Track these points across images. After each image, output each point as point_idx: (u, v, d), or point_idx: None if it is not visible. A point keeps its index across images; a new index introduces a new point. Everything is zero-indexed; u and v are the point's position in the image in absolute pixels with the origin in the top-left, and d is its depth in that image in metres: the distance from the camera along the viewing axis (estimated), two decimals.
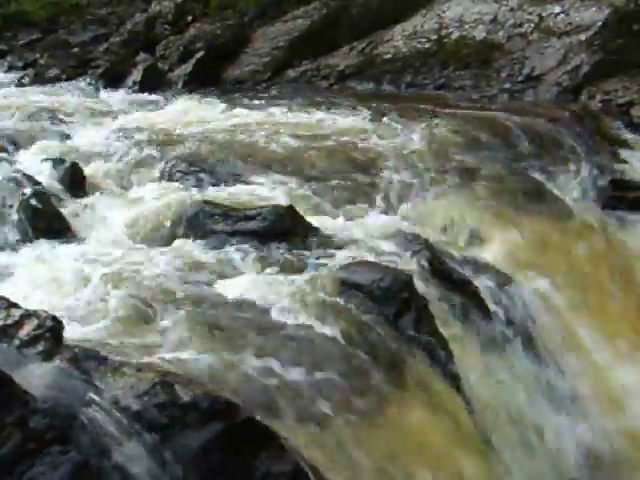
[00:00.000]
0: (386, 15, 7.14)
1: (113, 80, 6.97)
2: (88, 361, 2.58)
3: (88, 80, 7.06)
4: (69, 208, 4.08)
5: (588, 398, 3.55)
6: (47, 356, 2.52)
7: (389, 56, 6.77)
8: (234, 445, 2.43)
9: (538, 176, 4.87)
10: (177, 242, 3.76)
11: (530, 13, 6.63)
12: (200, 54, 7.14)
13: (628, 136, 5.67)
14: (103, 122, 5.57)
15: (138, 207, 4.10)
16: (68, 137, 5.17)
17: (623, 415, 3.63)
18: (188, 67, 7.03)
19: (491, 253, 4.01)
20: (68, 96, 6.48)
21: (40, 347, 2.54)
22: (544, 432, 3.32)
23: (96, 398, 2.43)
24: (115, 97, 6.44)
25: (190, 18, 7.62)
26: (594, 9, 6.39)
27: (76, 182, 4.39)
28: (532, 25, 6.55)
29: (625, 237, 4.69)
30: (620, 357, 3.81)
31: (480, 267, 3.79)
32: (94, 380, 2.52)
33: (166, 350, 2.81)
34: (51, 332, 2.61)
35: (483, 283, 3.65)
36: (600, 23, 6.31)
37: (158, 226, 3.91)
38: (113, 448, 2.31)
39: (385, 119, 5.33)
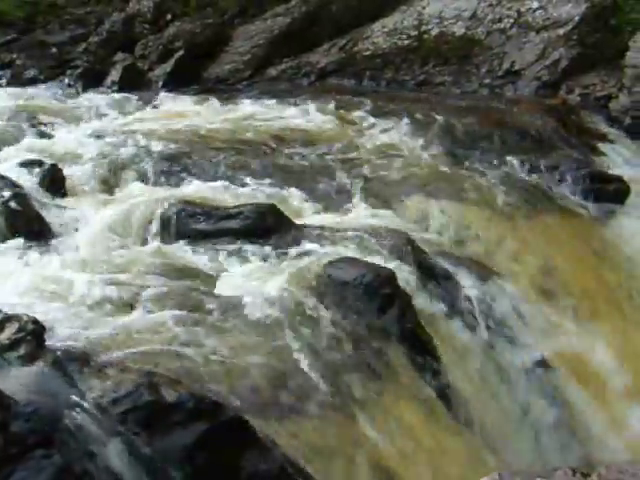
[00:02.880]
0: (366, 11, 7.13)
1: (92, 80, 6.89)
2: (71, 363, 2.56)
3: (67, 81, 6.97)
4: (49, 210, 4.04)
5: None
6: (29, 359, 2.50)
7: (369, 53, 6.77)
8: (220, 444, 2.43)
9: (519, 170, 4.90)
10: (159, 242, 3.74)
11: (509, 9, 6.66)
12: (180, 53, 7.08)
13: (607, 129, 5.73)
14: (83, 123, 5.52)
15: (119, 208, 4.07)
16: (47, 138, 5.11)
17: None
18: (168, 66, 6.97)
19: (473, 247, 4.03)
20: (47, 97, 6.41)
21: (22, 350, 2.51)
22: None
23: (80, 400, 2.42)
24: (94, 97, 6.37)
25: (169, 17, 7.55)
26: (571, 4, 6.43)
27: (56, 184, 4.34)
28: (511, 20, 6.58)
29: (605, 228, 4.74)
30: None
31: (462, 261, 3.81)
32: (77, 382, 2.51)
33: (152, 349, 2.80)
34: (33, 335, 2.59)
35: (465, 277, 3.67)
36: (577, 18, 6.36)
37: (140, 226, 3.88)
38: (98, 450, 2.30)
39: (365, 117, 5.34)
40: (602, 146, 5.48)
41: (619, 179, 5.10)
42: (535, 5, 6.58)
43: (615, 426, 3.60)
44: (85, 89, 6.73)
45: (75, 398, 2.40)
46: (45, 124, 5.41)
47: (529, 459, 3.24)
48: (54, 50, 7.58)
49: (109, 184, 4.52)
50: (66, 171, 4.48)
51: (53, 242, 3.76)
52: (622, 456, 3.37)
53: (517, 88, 6.29)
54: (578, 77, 6.21)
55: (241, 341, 2.89)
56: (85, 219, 4.02)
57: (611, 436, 3.53)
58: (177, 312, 3.04)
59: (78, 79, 6.91)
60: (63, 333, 2.85)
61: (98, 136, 5.03)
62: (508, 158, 4.98)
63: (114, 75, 6.82)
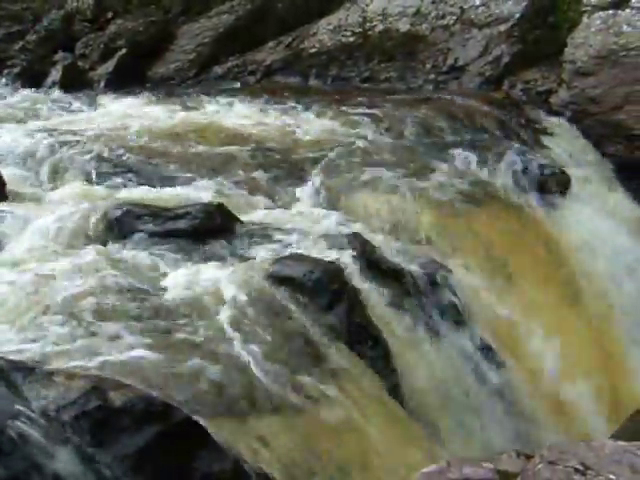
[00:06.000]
0: (311, 9, 7.15)
1: (31, 80, 6.70)
2: (15, 372, 2.49)
3: (4, 80, 6.76)
4: None
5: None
6: None
7: (315, 50, 6.79)
8: (172, 447, 2.41)
9: (464, 163, 4.99)
10: (105, 244, 3.67)
11: (452, 5, 6.77)
12: (122, 52, 6.95)
13: (548, 123, 5.89)
14: (22, 124, 5.36)
15: (64, 210, 3.98)
16: None
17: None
18: (110, 65, 6.83)
19: (420, 240, 4.09)
20: None
21: None
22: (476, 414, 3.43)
23: (25, 410, 2.35)
24: (34, 98, 6.20)
25: (110, 14, 7.39)
26: (511, 2, 6.58)
27: None
28: (454, 17, 6.69)
29: (548, 219, 4.87)
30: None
31: (411, 255, 3.86)
32: (22, 392, 2.44)
33: (98, 354, 2.75)
34: None
35: (414, 270, 3.72)
36: (518, 15, 6.51)
37: (85, 229, 3.80)
38: (45, 461, 2.25)
39: (311, 115, 5.35)
40: (544, 139, 5.63)
41: (561, 171, 5.25)
42: (477, 2, 6.71)
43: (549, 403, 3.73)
44: (24, 89, 6.54)
45: (19, 407, 2.34)
46: None
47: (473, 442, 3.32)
48: None
49: (52, 186, 4.41)
50: (5, 173, 4.34)
51: None
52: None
53: (461, 83, 6.41)
54: (520, 72, 6.36)
55: (190, 342, 2.87)
56: (28, 222, 3.90)
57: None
58: (123, 315, 2.99)
59: (16, 79, 6.72)
60: (6, 343, 2.77)
61: (38, 137, 4.89)
62: (453, 151, 5.06)
63: (54, 75, 6.65)
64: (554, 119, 5.91)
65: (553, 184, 5.12)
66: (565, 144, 5.69)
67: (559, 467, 1.57)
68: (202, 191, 4.22)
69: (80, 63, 7.00)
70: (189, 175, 4.43)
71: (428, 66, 6.52)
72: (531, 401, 3.68)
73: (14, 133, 5.10)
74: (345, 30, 6.78)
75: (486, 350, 3.71)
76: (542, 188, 5.05)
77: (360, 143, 4.96)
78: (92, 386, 2.44)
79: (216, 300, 3.12)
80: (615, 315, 4.59)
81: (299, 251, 3.50)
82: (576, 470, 1.57)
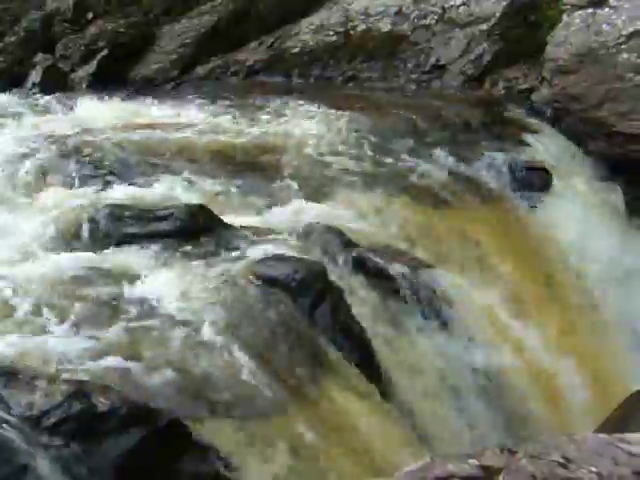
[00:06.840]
0: (294, 9, 7.15)
1: (11, 82, 6.64)
2: None
3: None
4: None
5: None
6: None
7: (297, 50, 6.79)
8: (158, 450, 2.41)
9: (447, 161, 5.02)
10: (88, 247, 3.64)
11: (433, 5, 6.79)
12: (103, 53, 6.91)
13: (530, 120, 5.93)
14: (1, 127, 5.31)
15: (45, 214, 3.94)
16: None
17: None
18: (91, 67, 6.79)
19: (404, 239, 4.11)
20: None
21: None
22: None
23: (6, 416, 2.34)
24: (14, 100, 6.15)
25: (91, 16, 7.34)
26: (492, 0, 6.62)
27: None
28: (436, 17, 6.72)
29: (530, 215, 4.91)
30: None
31: (394, 254, 3.87)
32: (4, 397, 2.42)
33: (82, 358, 2.73)
34: None
35: (397, 269, 3.73)
36: (499, 14, 6.55)
37: (67, 232, 3.77)
38: (28, 466, 2.23)
39: (294, 114, 5.34)
40: (526, 136, 5.67)
41: (542, 168, 5.30)
42: (458, 1, 6.74)
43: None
44: (3, 91, 6.48)
45: (1, 414, 2.32)
46: None
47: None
48: None
49: (32, 190, 4.36)
50: None
51: None
52: None
53: (443, 82, 6.43)
54: (501, 71, 6.40)
55: (169, 345, 2.85)
56: (9, 227, 3.87)
57: None
58: (107, 318, 2.97)
59: None
60: None
61: (19, 141, 4.84)
62: (434, 150, 5.08)
63: (34, 76, 6.60)
64: (536, 117, 5.95)
65: (535, 181, 5.17)
66: (547, 141, 5.73)
67: (542, 461, 1.59)
68: (184, 192, 4.20)
69: (60, 65, 6.95)
70: (171, 176, 4.40)
71: (410, 65, 6.54)
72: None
73: None
74: (327, 30, 6.79)
75: (470, 346, 3.73)
76: (524, 185, 5.09)
77: (343, 142, 4.96)
78: (75, 390, 2.43)
79: (199, 301, 3.11)
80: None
81: (283, 251, 3.50)
82: (559, 464, 1.59)
